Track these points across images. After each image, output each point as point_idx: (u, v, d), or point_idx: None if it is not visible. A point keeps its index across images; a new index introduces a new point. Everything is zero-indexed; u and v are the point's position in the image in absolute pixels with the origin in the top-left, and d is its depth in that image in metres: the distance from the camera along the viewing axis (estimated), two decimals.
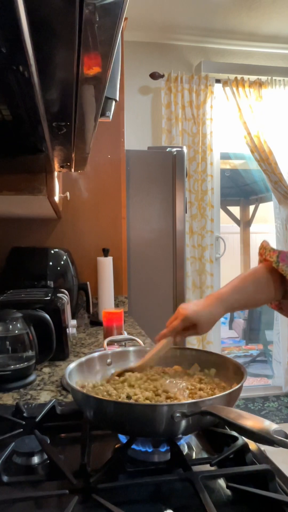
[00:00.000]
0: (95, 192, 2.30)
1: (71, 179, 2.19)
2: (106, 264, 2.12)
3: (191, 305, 0.91)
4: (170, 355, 0.98)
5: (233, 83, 3.31)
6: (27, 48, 0.46)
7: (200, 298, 3.14)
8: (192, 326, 0.90)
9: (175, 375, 0.91)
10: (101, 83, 0.60)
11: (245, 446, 0.70)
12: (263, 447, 0.72)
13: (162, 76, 3.24)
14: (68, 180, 2.15)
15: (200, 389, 0.81)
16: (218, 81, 3.32)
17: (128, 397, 0.77)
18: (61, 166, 1.18)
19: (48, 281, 1.90)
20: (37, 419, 0.83)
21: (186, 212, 2.52)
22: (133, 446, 0.72)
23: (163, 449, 0.73)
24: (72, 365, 0.84)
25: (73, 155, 1.03)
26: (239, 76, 3.31)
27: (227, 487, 0.64)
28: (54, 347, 1.29)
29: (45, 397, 1.10)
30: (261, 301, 0.96)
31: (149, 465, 0.71)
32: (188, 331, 0.91)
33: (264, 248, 0.96)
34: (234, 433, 0.73)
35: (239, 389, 0.74)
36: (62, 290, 1.67)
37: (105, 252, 2.14)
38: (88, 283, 2.09)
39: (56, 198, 1.41)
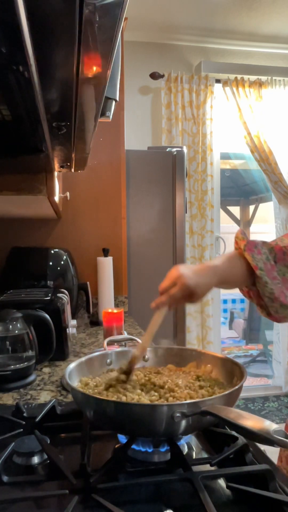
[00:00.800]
0: (95, 192, 2.30)
1: (71, 179, 2.19)
2: (106, 264, 2.12)
3: (190, 273, 0.88)
4: (169, 354, 0.98)
5: (233, 83, 3.31)
6: (27, 48, 0.46)
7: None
8: (188, 294, 0.87)
9: (170, 374, 0.90)
10: (101, 83, 0.60)
11: (245, 446, 0.70)
12: (263, 447, 0.72)
13: (162, 76, 3.24)
14: (68, 180, 2.15)
15: (201, 387, 0.81)
16: (218, 81, 3.32)
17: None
18: (61, 166, 1.18)
19: (48, 281, 1.90)
20: (37, 419, 0.83)
21: (186, 212, 2.52)
22: (133, 446, 0.72)
23: (163, 449, 0.73)
24: (72, 365, 0.84)
25: (73, 155, 1.03)
26: (239, 76, 3.31)
27: (227, 487, 0.64)
28: (54, 347, 1.29)
29: (45, 397, 1.10)
30: (240, 283, 0.97)
31: (149, 465, 0.71)
32: (184, 299, 0.88)
33: (236, 237, 0.99)
34: (234, 433, 0.73)
35: (239, 389, 0.74)
36: (62, 290, 1.67)
37: (105, 252, 2.14)
38: (88, 283, 2.09)
39: (56, 198, 1.41)
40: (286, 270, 0.97)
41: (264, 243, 0.99)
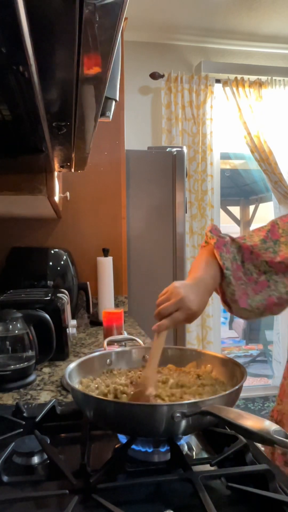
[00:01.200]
0: (95, 192, 2.30)
1: (71, 179, 2.19)
2: (106, 264, 2.12)
3: (192, 296, 0.86)
4: (169, 354, 0.98)
5: (233, 83, 3.31)
6: (27, 48, 0.46)
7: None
8: (190, 317, 0.87)
9: (171, 373, 0.90)
10: (101, 83, 0.60)
11: (245, 446, 0.70)
12: (263, 447, 0.72)
13: (162, 76, 3.24)
14: (68, 180, 2.15)
15: (203, 385, 0.82)
16: (218, 81, 3.32)
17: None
18: (61, 166, 1.18)
19: (48, 281, 1.90)
20: (37, 419, 0.83)
21: (186, 212, 2.52)
22: (133, 446, 0.72)
23: (163, 449, 0.73)
24: (72, 365, 0.84)
25: (73, 155, 1.03)
26: (239, 76, 3.31)
27: (227, 487, 0.64)
28: (54, 347, 1.29)
29: (45, 397, 1.10)
30: (217, 284, 0.97)
31: (149, 465, 0.71)
32: (185, 321, 0.88)
33: (206, 234, 1.00)
34: (234, 433, 0.73)
35: (239, 389, 0.74)
36: (62, 290, 1.67)
37: (105, 252, 2.14)
38: (88, 283, 2.09)
39: (56, 198, 1.41)
40: (254, 269, 0.98)
41: (233, 240, 1.01)
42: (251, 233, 1.04)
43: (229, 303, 0.98)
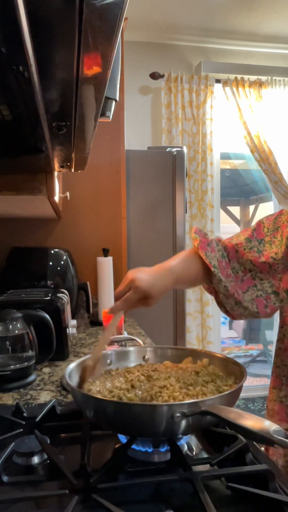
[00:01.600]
0: (95, 192, 2.30)
1: (71, 179, 2.19)
2: (106, 264, 2.12)
3: (144, 275, 0.88)
4: (169, 355, 0.98)
5: (233, 83, 3.31)
6: (27, 48, 0.46)
7: (199, 289, 3.15)
8: (143, 297, 0.87)
9: (168, 370, 0.90)
10: (101, 83, 0.60)
11: (245, 446, 0.70)
12: (263, 447, 0.72)
13: (162, 76, 3.24)
14: (68, 180, 2.15)
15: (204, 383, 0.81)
16: (218, 81, 3.31)
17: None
18: (61, 166, 1.18)
19: (48, 281, 1.90)
20: (37, 419, 0.83)
21: (186, 212, 2.52)
22: (133, 446, 0.72)
23: (163, 449, 0.73)
24: (72, 365, 0.84)
25: (73, 155, 1.03)
26: (239, 76, 3.31)
27: (227, 487, 0.64)
28: (54, 347, 1.29)
29: (45, 397, 1.10)
30: (198, 281, 0.98)
31: (149, 465, 0.71)
32: (139, 302, 0.89)
33: (191, 236, 1.01)
34: (234, 433, 0.73)
35: (239, 389, 0.74)
36: (62, 290, 1.67)
37: (105, 252, 2.14)
38: (88, 283, 2.09)
39: (56, 198, 1.41)
40: (239, 267, 0.99)
41: (219, 241, 1.01)
42: (239, 233, 1.05)
43: (224, 303, 0.98)
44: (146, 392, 0.77)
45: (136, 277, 0.87)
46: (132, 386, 0.82)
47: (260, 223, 1.04)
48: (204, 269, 0.96)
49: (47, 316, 1.29)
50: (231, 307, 0.98)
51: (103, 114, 1.17)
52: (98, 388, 0.81)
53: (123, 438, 0.77)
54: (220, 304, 1.00)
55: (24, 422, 0.83)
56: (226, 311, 1.01)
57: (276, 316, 1.05)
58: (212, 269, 0.94)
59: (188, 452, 0.76)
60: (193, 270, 0.96)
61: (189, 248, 1.02)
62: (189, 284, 1.03)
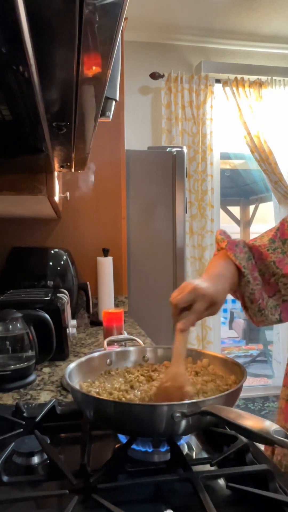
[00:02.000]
0: (95, 192, 2.30)
1: (71, 179, 2.19)
2: (106, 264, 2.12)
3: (205, 283, 0.84)
4: (169, 355, 0.98)
5: (233, 83, 3.31)
6: (27, 48, 0.46)
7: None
8: (210, 305, 0.83)
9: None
10: (101, 83, 0.60)
11: (245, 446, 0.70)
12: (263, 447, 0.72)
13: (162, 76, 3.24)
14: (68, 180, 2.15)
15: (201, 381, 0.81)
16: (218, 81, 3.32)
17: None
18: (61, 166, 1.18)
19: (48, 281, 1.90)
20: (37, 419, 0.83)
21: (186, 212, 2.52)
22: (133, 446, 0.72)
23: (163, 449, 0.73)
24: (72, 365, 0.84)
25: (73, 155, 1.03)
26: (239, 76, 3.31)
27: (227, 487, 0.64)
28: (54, 347, 1.29)
29: (45, 397, 1.10)
30: (235, 285, 0.94)
31: (149, 465, 0.71)
32: (207, 311, 0.84)
33: (216, 238, 0.97)
34: (234, 433, 0.73)
35: (239, 389, 0.74)
36: (62, 290, 1.67)
37: (105, 252, 2.14)
38: (88, 283, 2.09)
39: (56, 198, 1.41)
40: (265, 269, 0.95)
41: (244, 242, 0.97)
42: (263, 234, 1.01)
43: (248, 308, 0.95)
44: (145, 393, 0.77)
45: (198, 286, 0.82)
46: (131, 387, 0.82)
47: (283, 222, 0.98)
48: (236, 272, 0.91)
49: (47, 316, 1.29)
50: (253, 313, 0.94)
51: (103, 114, 1.17)
52: (97, 390, 0.80)
53: (123, 438, 0.77)
54: (246, 309, 0.97)
55: (24, 422, 0.83)
56: (250, 317, 0.98)
57: None
58: (243, 269, 0.90)
59: (188, 452, 0.77)
60: (235, 275, 0.91)
61: (215, 253, 0.97)
62: (234, 290, 0.96)
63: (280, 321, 0.96)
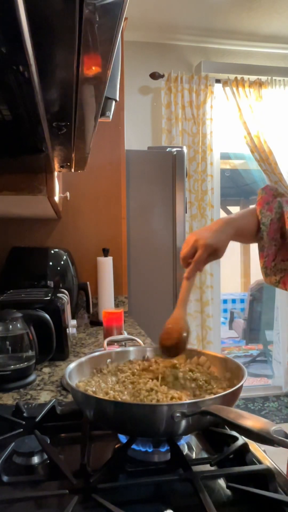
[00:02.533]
0: (95, 192, 2.30)
1: (71, 179, 2.19)
2: (106, 264, 2.12)
3: (206, 233, 0.91)
4: None
5: (233, 83, 3.31)
6: (27, 48, 0.46)
7: (199, 289, 3.17)
8: (212, 253, 0.90)
9: (159, 367, 0.89)
10: (101, 83, 0.60)
11: (245, 446, 0.70)
12: (264, 447, 0.72)
13: (162, 76, 3.24)
14: (68, 180, 2.15)
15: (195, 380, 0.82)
16: (218, 81, 3.31)
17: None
18: (61, 166, 1.18)
19: (48, 281, 1.90)
20: (37, 419, 0.83)
21: (186, 212, 2.52)
22: (133, 446, 0.72)
23: (163, 449, 0.73)
24: (72, 365, 0.84)
25: (73, 155, 1.03)
26: (239, 76, 3.31)
27: (227, 487, 0.64)
28: (54, 347, 1.29)
29: (45, 397, 1.10)
30: (253, 237, 1.00)
31: (149, 465, 0.71)
32: (209, 258, 0.92)
33: (258, 191, 1.03)
34: (234, 433, 0.73)
35: (239, 389, 0.74)
36: (62, 290, 1.67)
37: (105, 252, 2.14)
38: (88, 283, 2.09)
39: (56, 198, 1.41)
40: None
41: (280, 204, 1.00)
42: None
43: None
44: (134, 397, 0.77)
45: (199, 236, 0.90)
46: (125, 387, 0.82)
47: None
48: (258, 226, 0.98)
49: (47, 316, 1.29)
50: (260, 267, 1.00)
51: (103, 114, 1.17)
52: (94, 389, 0.81)
53: (123, 438, 0.77)
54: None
55: (24, 422, 0.83)
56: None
57: (276, 316, 1.05)
58: (261, 225, 0.96)
59: (188, 452, 0.77)
60: (251, 225, 0.98)
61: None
62: (248, 239, 1.02)
63: (278, 283, 1.00)
